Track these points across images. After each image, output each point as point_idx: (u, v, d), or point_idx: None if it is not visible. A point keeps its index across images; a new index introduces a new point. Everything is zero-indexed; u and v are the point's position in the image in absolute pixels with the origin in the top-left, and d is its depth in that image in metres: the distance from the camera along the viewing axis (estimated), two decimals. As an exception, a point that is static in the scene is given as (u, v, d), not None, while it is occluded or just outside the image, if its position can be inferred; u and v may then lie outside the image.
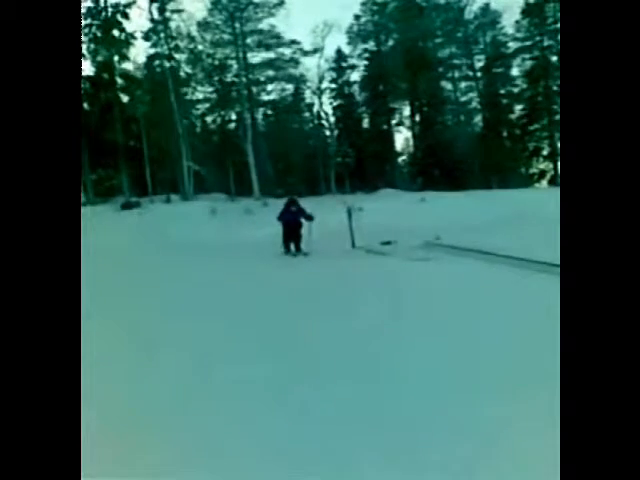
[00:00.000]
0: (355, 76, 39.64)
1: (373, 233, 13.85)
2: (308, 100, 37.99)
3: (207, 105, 35.15)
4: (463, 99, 39.82)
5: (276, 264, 10.77)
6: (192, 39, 31.35)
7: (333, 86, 39.05)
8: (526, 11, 36.44)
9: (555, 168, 36.46)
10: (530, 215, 17.52)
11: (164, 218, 21.14)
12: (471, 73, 38.80)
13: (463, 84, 39.43)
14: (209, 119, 36.39)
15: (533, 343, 4.08)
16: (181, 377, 3.76)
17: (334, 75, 38.59)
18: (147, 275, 9.98)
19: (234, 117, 34.37)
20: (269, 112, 38.30)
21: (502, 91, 38.35)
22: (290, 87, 37.43)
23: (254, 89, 35.28)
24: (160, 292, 7.88)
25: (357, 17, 38.81)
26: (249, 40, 34.21)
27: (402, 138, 47.58)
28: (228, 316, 5.81)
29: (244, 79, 33.25)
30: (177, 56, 31.31)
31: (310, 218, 12.18)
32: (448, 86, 39.62)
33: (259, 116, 37.73)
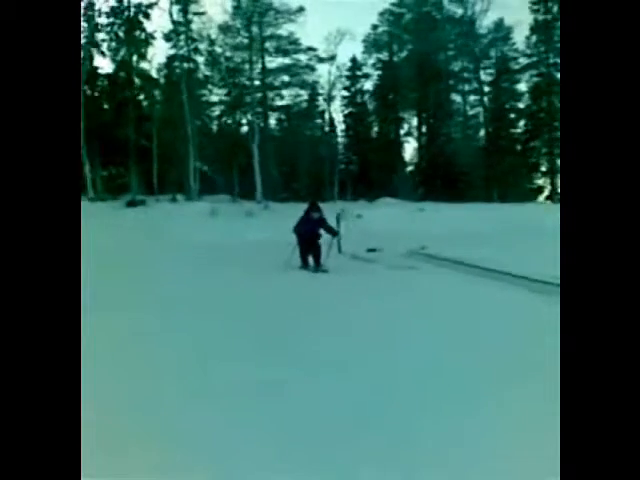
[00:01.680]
0: (368, 85, 40.27)
1: (364, 240, 14.45)
2: (321, 107, 38.67)
3: (222, 107, 35.85)
4: (472, 112, 40.19)
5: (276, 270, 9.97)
6: (212, 42, 32.05)
7: (346, 94, 39.64)
8: (534, 28, 36.95)
9: (553, 184, 36.84)
10: (521, 229, 17.96)
11: (163, 217, 21.57)
12: (482, 87, 39.22)
13: (472, 97, 39.80)
14: (224, 121, 37.11)
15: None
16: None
17: (348, 83, 39.19)
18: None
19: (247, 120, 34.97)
20: (282, 117, 38.94)
21: (507, 106, 38.72)
22: (304, 93, 38.03)
23: (269, 94, 36.02)
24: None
25: (374, 27, 39.25)
26: (267, 45, 34.92)
27: (411, 148, 47.96)
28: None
29: (258, 82, 34.02)
30: (196, 58, 32.08)
31: (333, 232, 10.27)
32: (458, 99, 40.05)
33: (272, 121, 38.43)
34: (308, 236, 9.96)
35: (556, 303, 4.90)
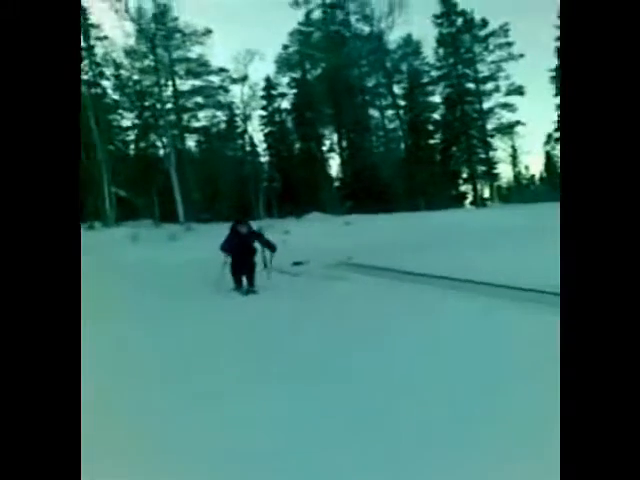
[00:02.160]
0: (286, 104, 40.65)
1: (291, 254, 14.13)
2: (241, 127, 38.50)
3: (135, 131, 34.93)
4: (391, 126, 41.12)
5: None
6: (118, 66, 31.36)
7: (264, 113, 39.74)
8: (440, 41, 38.35)
9: (475, 190, 38.13)
10: (444, 233, 18.38)
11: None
12: (396, 101, 40.17)
13: (390, 112, 40.71)
14: (140, 145, 36.09)
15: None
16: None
17: (264, 103, 39.25)
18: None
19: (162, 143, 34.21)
20: (201, 139, 38.45)
21: (423, 118, 39.92)
22: (220, 114, 37.79)
23: (184, 116, 35.42)
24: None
25: (285, 47, 39.82)
26: (177, 67, 34.50)
27: (336, 164, 48.66)
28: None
29: (170, 105, 33.42)
30: (103, 83, 31.31)
31: (271, 246, 9.37)
32: (376, 114, 40.90)
33: (192, 143, 37.93)
34: (241, 252, 8.99)
35: (464, 297, 6.60)
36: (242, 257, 9.00)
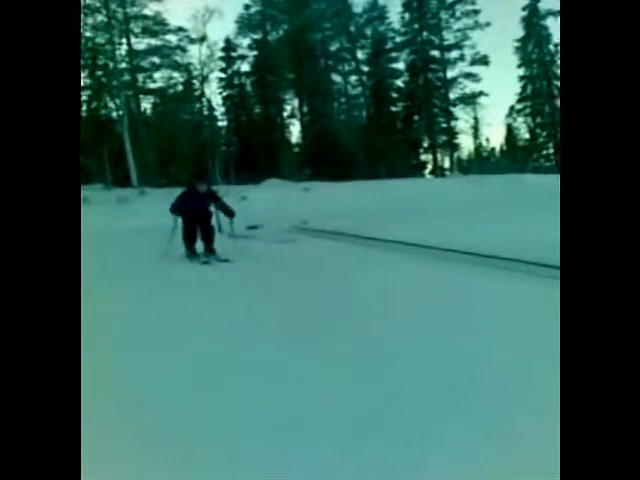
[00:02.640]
0: (246, 66, 39.62)
1: (247, 219, 13.92)
2: (199, 90, 37.32)
3: (87, 92, 33.46)
4: (354, 92, 40.61)
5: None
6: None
7: (223, 76, 38.68)
8: (406, 5, 37.80)
9: (435, 159, 38.18)
10: (400, 200, 18.59)
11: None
12: (360, 66, 39.64)
13: (353, 77, 40.18)
14: (92, 106, 34.55)
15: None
16: None
17: (223, 65, 38.14)
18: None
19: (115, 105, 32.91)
20: (157, 101, 37.19)
21: (386, 84, 39.56)
22: (177, 75, 36.46)
23: (139, 77, 34.10)
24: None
25: (246, 7, 38.63)
26: (132, 25, 32.96)
27: (297, 130, 48.12)
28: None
29: (125, 65, 32.05)
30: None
31: (229, 212, 8.29)
32: (338, 79, 40.31)
33: (148, 105, 36.65)
34: (196, 214, 7.84)
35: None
36: (197, 220, 7.92)
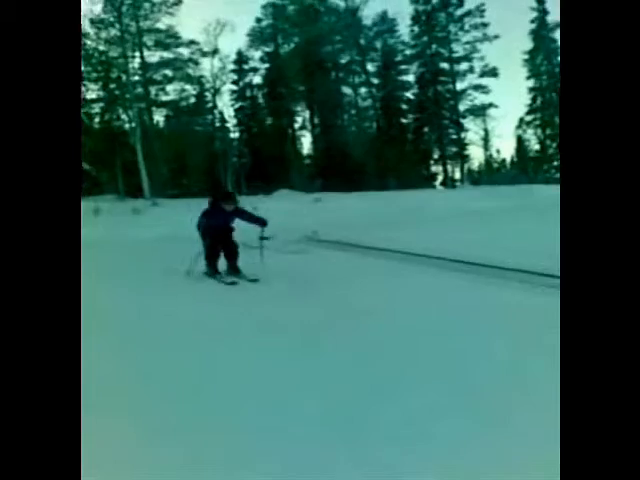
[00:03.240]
0: (257, 79, 40.01)
1: (256, 230, 14.05)
2: (211, 102, 37.72)
3: (101, 104, 33.89)
4: (364, 104, 40.79)
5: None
6: (83, 35, 30.00)
7: (235, 88, 39.09)
8: (415, 18, 38.03)
9: (445, 170, 38.22)
10: (411, 212, 18.67)
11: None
12: (370, 79, 39.87)
13: (363, 89, 40.39)
14: (106, 118, 34.96)
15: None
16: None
17: (235, 77, 38.56)
18: None
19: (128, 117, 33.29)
20: (170, 113, 37.57)
21: (396, 96, 39.75)
22: (190, 88, 36.81)
23: (152, 89, 34.50)
24: None
25: (258, 20, 39.07)
26: (145, 38, 33.39)
27: (308, 141, 48.40)
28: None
29: (138, 78, 32.47)
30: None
31: (260, 221, 7.70)
32: (349, 91, 40.50)
33: (160, 117, 37.03)
34: (219, 231, 7.36)
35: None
36: (220, 237, 7.40)
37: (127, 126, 31.30)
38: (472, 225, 12.98)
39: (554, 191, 20.91)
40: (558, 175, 39.25)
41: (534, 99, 40.27)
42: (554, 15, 37.72)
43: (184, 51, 34.83)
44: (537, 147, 41.83)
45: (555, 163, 41.34)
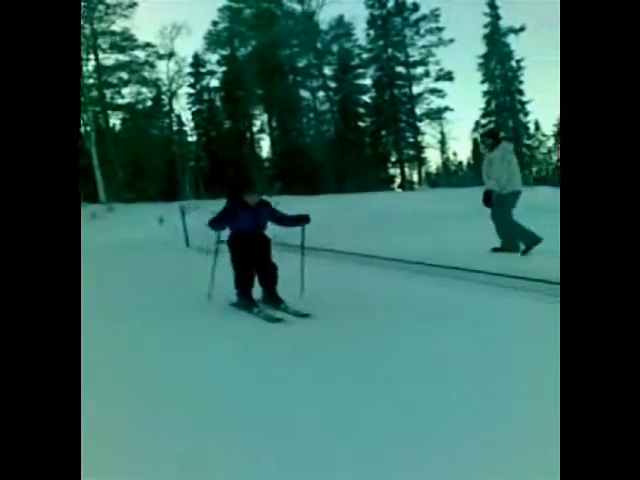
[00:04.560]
0: (215, 82, 39.92)
1: (215, 233, 14.06)
2: (168, 105, 37.43)
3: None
4: (322, 108, 41.06)
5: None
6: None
7: (192, 91, 38.85)
8: (371, 22, 38.53)
9: (403, 173, 38.76)
10: (371, 215, 18.86)
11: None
12: (327, 82, 40.14)
13: (321, 93, 40.65)
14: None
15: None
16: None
17: (192, 80, 38.33)
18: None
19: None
20: (126, 116, 37.06)
21: (354, 100, 40.15)
22: (146, 91, 36.47)
23: (107, 92, 33.99)
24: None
25: (215, 23, 38.89)
26: (100, 41, 32.91)
27: (267, 145, 48.37)
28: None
29: (92, 81, 31.99)
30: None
31: (299, 219, 5.25)
32: (307, 95, 40.72)
33: (116, 121, 36.54)
34: (250, 243, 5.03)
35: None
36: (252, 253, 5.06)
37: (82, 130, 30.75)
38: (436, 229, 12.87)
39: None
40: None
41: (488, 103, 41.16)
42: (507, 20, 38.69)
43: (140, 54, 34.64)
44: (492, 150, 42.60)
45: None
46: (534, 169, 45.34)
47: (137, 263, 9.80)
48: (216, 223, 5.10)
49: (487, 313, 4.23)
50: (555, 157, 48.32)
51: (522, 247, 7.11)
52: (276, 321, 4.47)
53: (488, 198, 7.36)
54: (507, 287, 5.13)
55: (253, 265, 5.11)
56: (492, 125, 41.14)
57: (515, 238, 7.21)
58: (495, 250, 7.37)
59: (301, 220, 5.21)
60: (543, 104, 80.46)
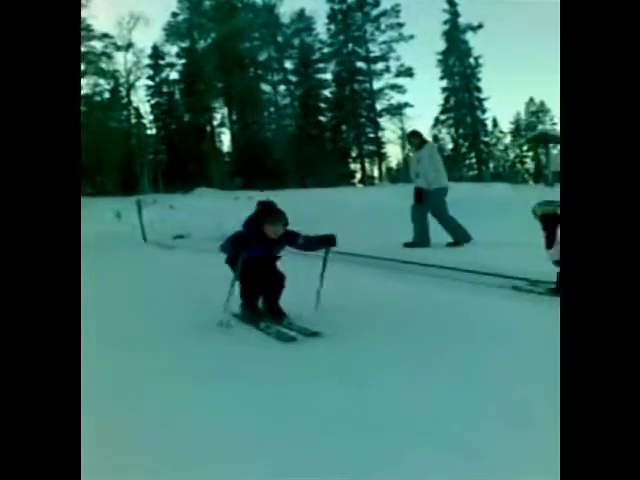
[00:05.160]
0: (175, 74, 39.34)
1: (172, 228, 13.91)
2: (126, 97, 36.75)
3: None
4: (284, 102, 41.01)
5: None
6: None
7: (151, 83, 38.22)
8: (331, 17, 38.65)
9: (363, 169, 39.07)
10: (333, 210, 18.95)
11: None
12: (287, 76, 40.12)
13: (282, 87, 40.59)
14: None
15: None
16: None
17: (151, 72, 37.71)
18: None
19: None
20: (84, 109, 36.22)
21: (314, 95, 40.21)
22: (103, 82, 35.77)
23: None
24: None
25: (174, 14, 38.32)
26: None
27: (227, 139, 47.97)
28: None
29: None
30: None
31: (323, 241, 4.10)
32: (268, 88, 40.58)
33: (71, 112, 35.58)
34: (260, 259, 4.40)
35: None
36: (259, 266, 4.39)
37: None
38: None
39: (467, 187, 21.91)
40: (470, 173, 41.10)
41: (447, 99, 41.79)
42: (465, 18, 39.31)
43: (97, 44, 34.07)
44: (451, 146, 43.41)
45: (467, 162, 43.19)
46: (491, 165, 46.28)
47: (96, 259, 9.62)
48: (225, 250, 4.13)
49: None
50: (512, 154, 49.51)
51: (432, 242, 7.47)
52: (289, 340, 3.61)
53: (419, 195, 7.61)
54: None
55: (259, 272, 4.26)
56: (451, 121, 41.88)
57: (427, 233, 7.60)
58: (407, 245, 7.52)
59: (325, 242, 4.21)
60: (501, 101, 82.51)
